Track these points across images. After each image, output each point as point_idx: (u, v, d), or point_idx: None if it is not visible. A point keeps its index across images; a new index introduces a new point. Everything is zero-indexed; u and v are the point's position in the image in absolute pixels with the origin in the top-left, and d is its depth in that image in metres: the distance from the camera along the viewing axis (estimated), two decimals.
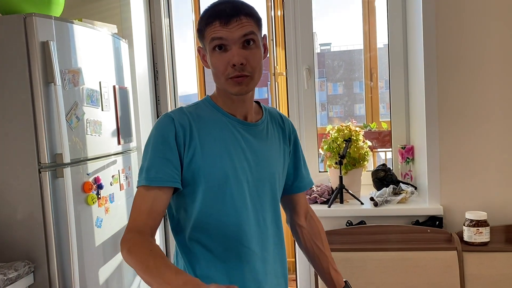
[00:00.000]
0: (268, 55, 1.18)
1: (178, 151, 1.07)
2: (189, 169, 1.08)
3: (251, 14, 1.07)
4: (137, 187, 1.08)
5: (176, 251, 1.19)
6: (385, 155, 2.96)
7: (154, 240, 1.04)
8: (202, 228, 1.12)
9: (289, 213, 1.37)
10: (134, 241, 0.99)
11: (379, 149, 2.88)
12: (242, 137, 1.14)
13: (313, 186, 2.44)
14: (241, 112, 1.16)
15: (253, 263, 1.14)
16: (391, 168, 2.47)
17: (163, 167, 1.06)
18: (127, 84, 2.29)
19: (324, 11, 3.37)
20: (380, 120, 3.19)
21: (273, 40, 3.27)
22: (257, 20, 1.09)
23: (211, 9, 1.07)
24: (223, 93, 1.14)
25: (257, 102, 1.26)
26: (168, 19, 2.60)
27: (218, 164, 1.09)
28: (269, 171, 1.18)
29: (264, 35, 1.14)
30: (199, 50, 1.14)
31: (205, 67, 1.17)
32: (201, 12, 1.11)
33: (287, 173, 1.29)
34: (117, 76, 2.18)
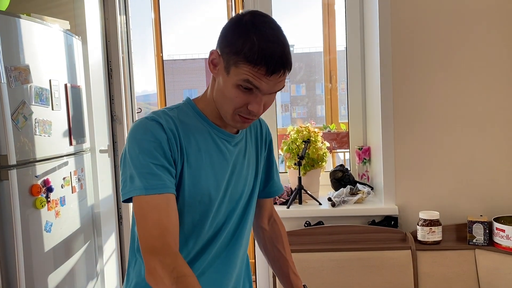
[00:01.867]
0: None
1: (173, 158, 0.98)
2: (181, 179, 1.00)
3: (291, 68, 0.98)
4: (126, 198, 0.96)
5: (132, 258, 1.12)
6: (344, 156, 3.00)
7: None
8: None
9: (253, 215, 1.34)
10: (182, 273, 0.90)
11: (338, 150, 2.91)
12: (227, 149, 1.08)
13: None
14: (227, 125, 1.08)
15: (211, 276, 1.10)
16: (349, 169, 2.50)
17: (162, 174, 0.95)
18: (80, 82, 2.21)
19: (285, 13, 3.38)
20: (340, 121, 3.23)
21: None
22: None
23: (262, 46, 0.92)
24: (215, 105, 1.05)
25: None
26: (124, 16, 2.53)
27: (202, 179, 1.02)
28: (248, 186, 1.14)
29: None
30: (212, 53, 1.00)
31: (211, 72, 1.03)
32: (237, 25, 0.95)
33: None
34: (69, 74, 2.09)
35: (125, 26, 2.53)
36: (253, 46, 0.92)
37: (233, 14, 3.05)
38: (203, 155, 1.03)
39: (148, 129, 0.97)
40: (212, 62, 1.00)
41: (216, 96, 1.02)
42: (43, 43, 1.90)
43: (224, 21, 1.03)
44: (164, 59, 3.58)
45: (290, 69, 0.97)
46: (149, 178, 0.94)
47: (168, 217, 0.94)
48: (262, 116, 2.41)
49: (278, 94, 2.60)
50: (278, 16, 2.66)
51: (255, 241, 1.38)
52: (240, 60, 0.93)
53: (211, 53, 1.00)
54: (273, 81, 0.95)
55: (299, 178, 2.30)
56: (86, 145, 2.25)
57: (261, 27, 0.94)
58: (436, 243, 2.00)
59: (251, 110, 0.98)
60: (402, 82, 2.14)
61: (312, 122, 2.52)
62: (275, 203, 2.32)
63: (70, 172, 2.05)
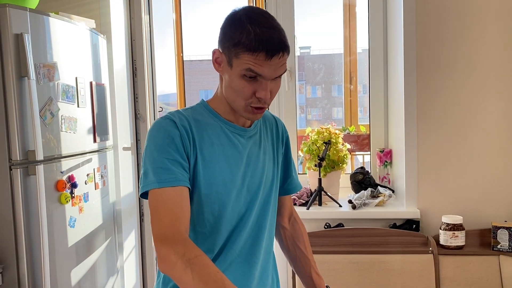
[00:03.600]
0: None
1: (186, 153, 1.04)
2: (192, 173, 1.06)
3: (289, 50, 1.02)
4: (144, 192, 1.02)
5: None
6: (363, 158, 2.98)
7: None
8: (193, 231, 1.09)
9: None
10: (193, 254, 0.93)
11: (357, 152, 2.89)
12: (240, 142, 1.12)
13: None
14: (239, 120, 1.14)
15: (238, 267, 1.13)
16: (369, 171, 2.49)
17: (174, 169, 1.01)
18: (105, 80, 2.24)
19: (304, 14, 3.37)
20: (359, 123, 3.21)
21: None
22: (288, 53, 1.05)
23: (258, 32, 0.98)
24: (226, 102, 1.10)
25: None
26: (148, 16, 2.55)
27: (217, 170, 1.07)
28: (267, 176, 1.17)
29: None
30: (214, 52, 1.06)
31: (216, 70, 1.09)
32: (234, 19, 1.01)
33: None
34: (94, 72, 2.12)
35: (148, 26, 2.56)
36: (250, 34, 0.98)
37: None
38: (216, 148, 1.08)
39: (162, 127, 1.04)
40: (216, 61, 1.07)
41: (226, 92, 1.07)
42: (70, 41, 1.93)
43: None
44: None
45: (289, 52, 1.02)
46: (161, 172, 1.00)
47: (179, 207, 0.99)
48: (281, 116, 2.41)
49: (296, 95, 2.57)
50: (299, 16, 2.66)
51: (277, 241, 1.39)
52: (240, 50, 0.98)
53: (214, 52, 1.06)
54: (274, 65, 1.00)
55: (319, 180, 2.29)
56: (109, 142, 2.28)
57: (255, 18, 1.00)
58: (459, 248, 1.97)
59: (260, 98, 1.02)
60: (426, 85, 2.11)
61: (333, 124, 2.52)
62: (295, 204, 2.32)
63: (94, 169, 2.08)
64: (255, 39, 0.97)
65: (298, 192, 2.38)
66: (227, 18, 1.04)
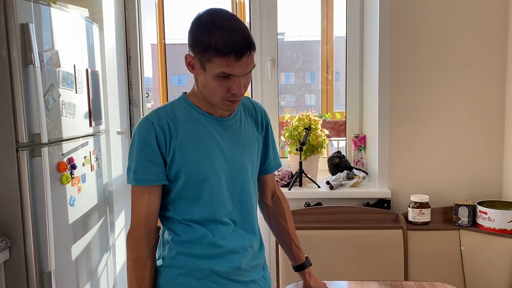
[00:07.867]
0: None
1: (160, 152, 1.19)
2: (171, 166, 1.20)
3: (255, 47, 1.14)
4: (128, 183, 1.22)
5: (162, 228, 1.32)
6: (338, 144, 3.18)
7: (154, 238, 1.25)
8: (184, 214, 1.25)
9: (258, 192, 1.49)
10: (130, 254, 1.22)
11: (334, 138, 3.09)
12: (217, 132, 1.25)
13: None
14: (217, 110, 1.26)
15: (238, 235, 1.28)
16: (345, 155, 2.69)
17: (148, 168, 1.19)
18: (98, 67, 2.34)
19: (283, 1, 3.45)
20: (334, 111, 3.39)
21: None
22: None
23: (225, 37, 1.08)
24: (203, 97, 1.22)
25: None
26: (138, 5, 2.64)
27: (196, 159, 1.21)
28: (247, 158, 1.30)
29: None
30: (186, 57, 1.18)
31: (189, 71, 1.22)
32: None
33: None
34: (89, 59, 2.22)
35: (139, 14, 2.65)
36: (218, 40, 1.07)
37: (248, 2, 3.17)
38: (195, 140, 1.21)
39: (141, 129, 1.20)
40: (189, 64, 1.18)
41: (203, 90, 1.21)
42: (68, 30, 2.02)
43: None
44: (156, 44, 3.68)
45: (255, 48, 1.15)
46: (138, 171, 1.19)
47: (145, 207, 1.20)
48: (264, 103, 2.55)
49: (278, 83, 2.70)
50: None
51: (262, 216, 1.55)
52: (211, 55, 1.09)
53: (186, 57, 1.18)
54: (244, 64, 1.11)
55: (300, 163, 2.47)
56: (103, 127, 2.38)
57: (219, 22, 1.10)
58: (425, 223, 2.20)
59: (234, 93, 1.15)
60: (400, 74, 2.31)
61: (313, 111, 2.69)
62: None
63: (90, 152, 2.19)
64: (224, 44, 1.07)
65: (278, 171, 2.57)
66: (193, 23, 1.14)
